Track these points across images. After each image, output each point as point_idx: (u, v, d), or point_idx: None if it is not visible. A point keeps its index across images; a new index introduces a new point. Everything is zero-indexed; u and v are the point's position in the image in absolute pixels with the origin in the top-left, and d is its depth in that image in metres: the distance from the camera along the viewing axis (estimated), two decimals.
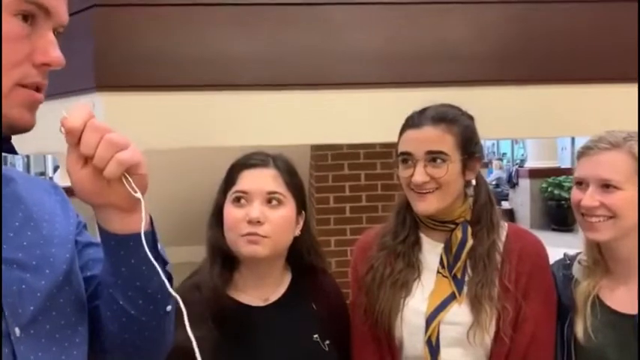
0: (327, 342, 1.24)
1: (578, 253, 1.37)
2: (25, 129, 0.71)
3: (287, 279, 1.31)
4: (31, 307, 0.73)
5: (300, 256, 1.30)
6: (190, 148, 2.13)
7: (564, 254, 1.40)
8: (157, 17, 2.02)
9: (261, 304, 1.26)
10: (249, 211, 1.20)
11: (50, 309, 0.76)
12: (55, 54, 0.70)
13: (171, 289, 0.76)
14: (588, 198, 1.23)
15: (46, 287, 0.76)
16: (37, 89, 0.71)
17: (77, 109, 0.71)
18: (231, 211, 1.22)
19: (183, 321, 0.70)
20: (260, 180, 1.22)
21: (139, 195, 0.73)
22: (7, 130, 0.70)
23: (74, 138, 0.70)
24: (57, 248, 0.80)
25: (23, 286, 0.73)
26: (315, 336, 1.24)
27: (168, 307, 0.83)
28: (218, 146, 2.01)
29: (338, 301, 1.35)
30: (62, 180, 6.08)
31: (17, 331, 0.71)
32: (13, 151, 0.75)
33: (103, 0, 2.04)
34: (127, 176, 0.72)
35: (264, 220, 1.19)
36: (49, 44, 0.70)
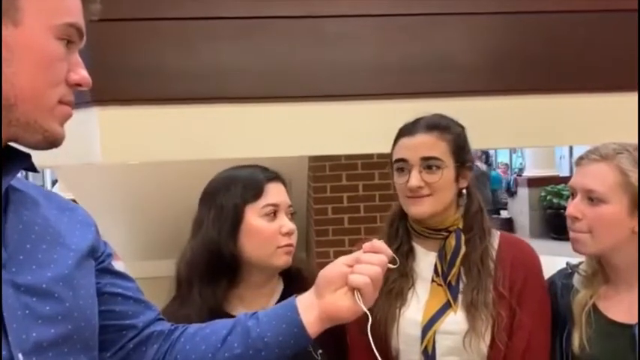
0: (320, 351, 1.24)
1: (580, 262, 1.36)
2: (61, 143, 0.76)
3: (279, 288, 1.33)
4: (34, 334, 0.71)
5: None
6: (185, 160, 2.12)
7: (567, 263, 1.39)
8: (153, 31, 2.03)
9: None
10: (283, 223, 1.25)
11: (55, 336, 0.74)
12: (85, 74, 0.77)
13: None
14: (572, 207, 1.24)
15: (51, 313, 0.74)
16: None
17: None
18: (266, 225, 1.24)
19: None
20: (283, 193, 1.29)
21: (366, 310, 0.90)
22: (47, 144, 0.75)
23: None
24: (69, 271, 0.78)
25: (27, 311, 0.71)
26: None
27: None
28: (214, 159, 2.01)
29: None
30: (61, 193, 6.07)
31: (20, 357, 0.69)
32: (34, 169, 0.77)
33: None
34: (359, 292, 0.89)
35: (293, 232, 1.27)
36: (78, 65, 0.76)
